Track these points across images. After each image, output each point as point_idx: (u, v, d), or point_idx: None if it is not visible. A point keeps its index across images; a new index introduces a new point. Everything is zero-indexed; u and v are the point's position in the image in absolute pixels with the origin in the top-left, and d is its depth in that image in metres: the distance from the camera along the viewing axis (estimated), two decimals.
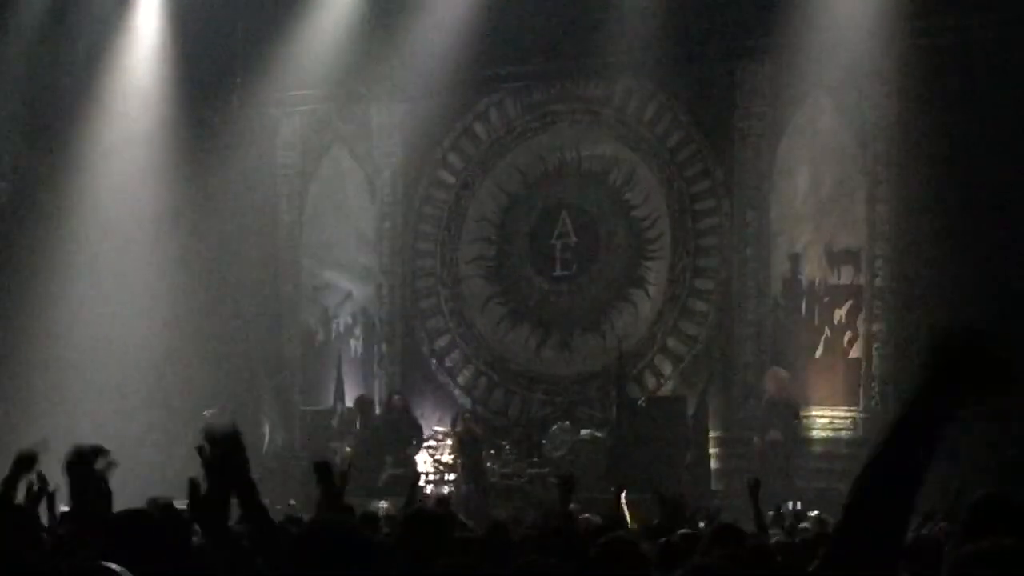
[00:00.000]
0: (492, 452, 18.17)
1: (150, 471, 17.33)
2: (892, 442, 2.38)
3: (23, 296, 19.39)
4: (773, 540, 7.62)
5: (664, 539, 6.92)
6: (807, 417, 17.68)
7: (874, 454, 2.38)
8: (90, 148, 19.80)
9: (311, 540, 3.42)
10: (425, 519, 5.80)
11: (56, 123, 19.81)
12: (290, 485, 18.22)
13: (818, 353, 17.85)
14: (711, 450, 17.72)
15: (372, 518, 9.44)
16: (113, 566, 3.51)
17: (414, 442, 18.44)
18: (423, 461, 18.52)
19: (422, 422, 18.92)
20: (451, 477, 18.28)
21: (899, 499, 2.34)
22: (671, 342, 18.91)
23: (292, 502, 15.21)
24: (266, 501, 4.15)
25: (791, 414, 17.15)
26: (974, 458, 14.91)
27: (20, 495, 6.69)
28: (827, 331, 17.82)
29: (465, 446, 17.82)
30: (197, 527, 4.18)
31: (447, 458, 18.46)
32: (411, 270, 20.71)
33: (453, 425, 18.29)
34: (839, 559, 2.33)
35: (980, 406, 2.41)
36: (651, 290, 19.12)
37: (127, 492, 9.19)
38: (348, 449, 18.36)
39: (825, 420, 17.65)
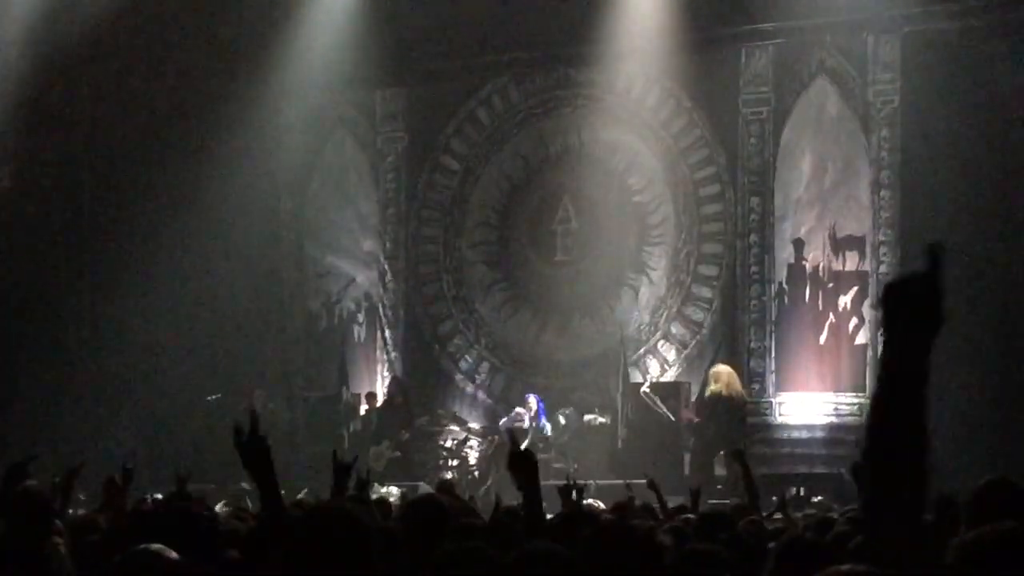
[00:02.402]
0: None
1: (159, 455, 17.40)
2: (883, 399, 2.44)
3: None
4: (771, 528, 7.61)
5: (667, 525, 6.91)
6: (811, 403, 17.70)
7: (873, 415, 2.43)
8: (89, 131, 19.80)
9: (314, 525, 3.41)
10: (426, 505, 5.80)
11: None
12: (293, 471, 18.23)
13: (822, 339, 17.83)
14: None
15: (384, 504, 9.43)
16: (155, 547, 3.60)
17: (406, 430, 18.35)
18: (427, 449, 18.53)
19: (421, 409, 18.92)
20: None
21: (912, 442, 2.41)
22: (675, 328, 18.91)
23: (302, 495, 15.16)
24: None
25: (737, 409, 16.93)
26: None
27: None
28: (831, 317, 17.80)
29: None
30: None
31: (450, 443, 18.43)
32: (414, 256, 20.71)
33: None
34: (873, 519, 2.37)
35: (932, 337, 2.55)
36: (653, 275, 19.11)
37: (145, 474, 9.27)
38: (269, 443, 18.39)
39: (830, 406, 17.64)
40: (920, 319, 2.55)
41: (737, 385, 16.84)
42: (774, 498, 10.20)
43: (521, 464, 4.64)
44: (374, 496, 13.05)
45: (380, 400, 19.21)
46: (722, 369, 17.13)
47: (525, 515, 4.75)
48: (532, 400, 17.84)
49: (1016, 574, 2.24)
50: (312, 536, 3.35)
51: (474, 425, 18.82)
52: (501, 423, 18.01)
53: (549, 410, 18.57)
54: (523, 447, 4.76)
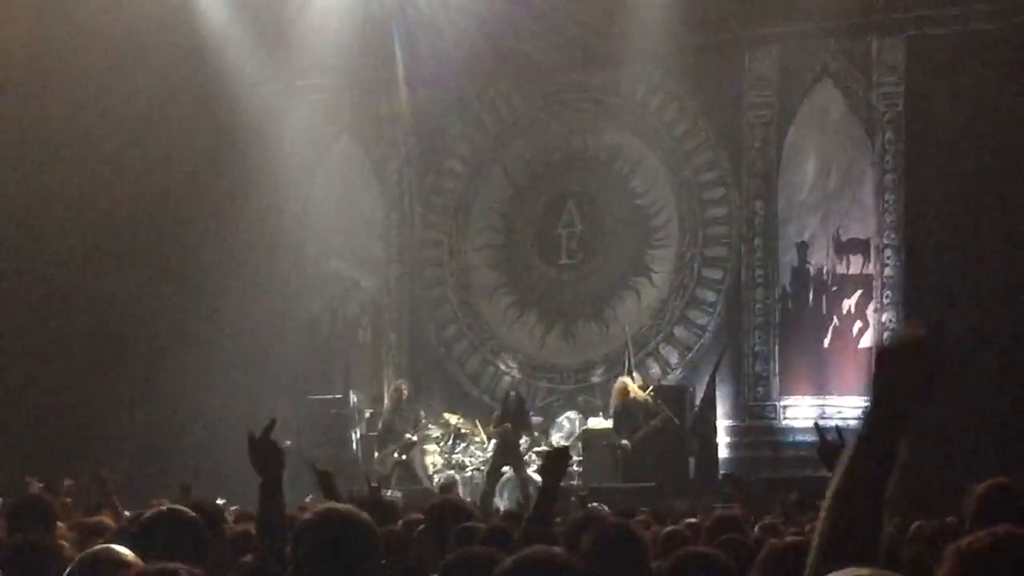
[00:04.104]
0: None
1: (165, 460, 17.42)
2: (852, 467, 2.36)
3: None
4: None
5: (669, 528, 6.95)
6: (816, 406, 17.72)
7: (838, 483, 2.36)
8: (92, 138, 19.75)
9: (320, 529, 3.43)
10: (447, 507, 5.82)
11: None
12: (300, 476, 18.23)
13: (826, 342, 17.84)
14: (718, 439, 17.71)
15: (390, 507, 9.43)
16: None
17: (412, 433, 18.34)
18: (430, 451, 18.57)
19: (427, 413, 18.92)
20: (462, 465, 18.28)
21: (870, 512, 2.34)
22: (679, 331, 18.92)
23: (309, 498, 15.19)
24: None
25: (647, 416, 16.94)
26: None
27: None
28: (835, 320, 17.82)
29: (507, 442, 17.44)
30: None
31: (456, 447, 18.46)
32: (419, 259, 20.73)
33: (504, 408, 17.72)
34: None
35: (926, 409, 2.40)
36: (655, 278, 19.13)
37: (150, 481, 9.33)
38: (288, 443, 18.43)
39: (834, 409, 17.64)
40: (913, 388, 2.40)
41: None
42: (781, 501, 10.23)
43: (556, 462, 4.68)
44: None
45: (386, 404, 19.22)
46: (626, 379, 17.26)
47: (535, 509, 4.74)
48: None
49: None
50: (318, 538, 3.37)
51: (479, 428, 18.80)
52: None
53: (555, 412, 18.68)
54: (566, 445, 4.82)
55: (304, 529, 3.47)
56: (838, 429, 4.72)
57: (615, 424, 16.84)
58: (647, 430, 16.64)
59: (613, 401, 17.02)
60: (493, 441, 17.66)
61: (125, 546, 3.80)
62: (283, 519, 4.22)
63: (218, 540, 4.73)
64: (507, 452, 17.06)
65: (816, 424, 4.77)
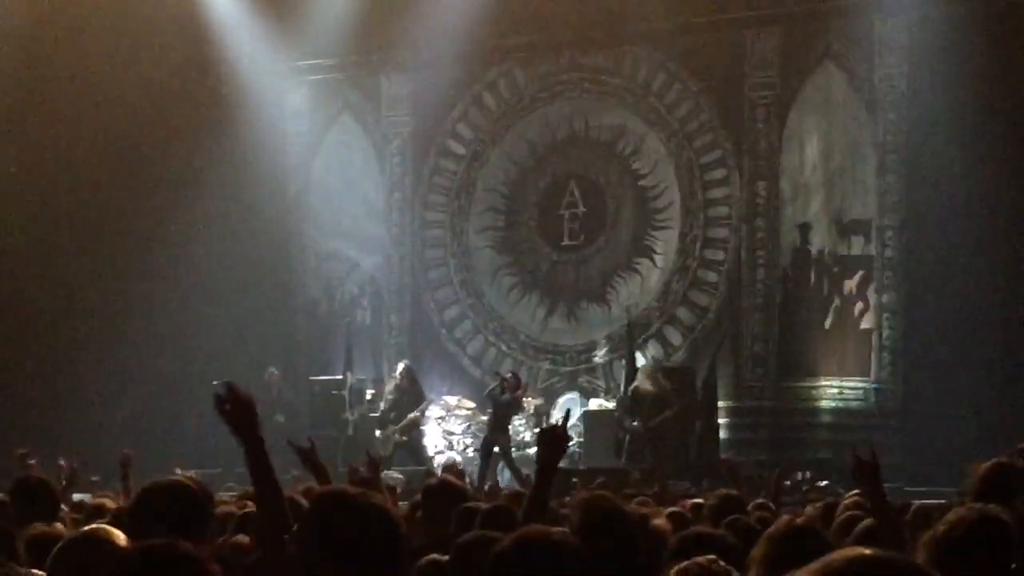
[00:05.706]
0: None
1: (163, 441, 17.41)
2: None
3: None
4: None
5: (671, 509, 6.95)
6: (816, 387, 17.73)
7: None
8: (96, 116, 19.70)
9: (328, 509, 3.38)
10: (443, 489, 5.81)
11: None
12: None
13: (827, 323, 17.84)
14: (720, 420, 17.70)
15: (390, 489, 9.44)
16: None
17: (413, 414, 18.33)
18: (431, 432, 18.59)
19: (429, 394, 18.91)
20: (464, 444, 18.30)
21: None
22: (681, 312, 18.92)
23: (295, 472, 15.17)
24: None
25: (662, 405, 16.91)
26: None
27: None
28: (837, 301, 17.81)
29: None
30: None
31: (457, 428, 18.49)
32: (420, 240, 20.72)
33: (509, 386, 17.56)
34: None
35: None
36: (658, 260, 19.13)
37: (148, 462, 9.30)
38: (281, 419, 18.35)
39: (835, 390, 17.65)
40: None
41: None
42: (787, 483, 10.23)
43: (553, 442, 4.59)
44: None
45: (387, 385, 19.22)
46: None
47: (534, 488, 4.68)
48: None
49: (981, 559, 2.23)
50: (334, 522, 3.30)
51: (480, 410, 18.82)
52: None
53: (557, 393, 18.67)
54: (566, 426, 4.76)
55: (314, 515, 3.38)
56: (872, 451, 4.70)
57: (639, 404, 16.69)
58: (668, 416, 16.58)
59: (646, 381, 16.84)
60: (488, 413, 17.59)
61: (126, 521, 3.78)
62: (277, 487, 4.05)
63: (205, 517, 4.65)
64: (496, 428, 17.03)
65: (853, 449, 4.79)
